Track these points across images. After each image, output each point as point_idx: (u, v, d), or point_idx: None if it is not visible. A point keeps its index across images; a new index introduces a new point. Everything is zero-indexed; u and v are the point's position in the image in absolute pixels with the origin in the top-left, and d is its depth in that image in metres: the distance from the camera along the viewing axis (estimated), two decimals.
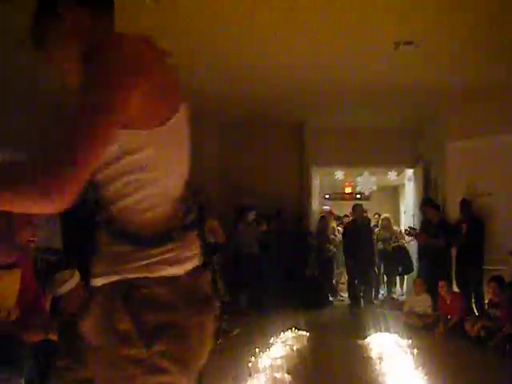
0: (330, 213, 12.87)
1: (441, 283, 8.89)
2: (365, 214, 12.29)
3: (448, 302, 8.77)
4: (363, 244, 10.89)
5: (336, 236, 12.48)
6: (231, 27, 7.08)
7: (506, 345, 7.07)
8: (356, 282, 11.06)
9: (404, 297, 11.96)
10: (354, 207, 11.52)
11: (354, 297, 11.01)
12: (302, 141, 12.23)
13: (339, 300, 12.02)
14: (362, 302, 10.98)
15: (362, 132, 12.34)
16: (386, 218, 12.62)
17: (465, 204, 9.38)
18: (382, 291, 12.41)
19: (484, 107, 9.55)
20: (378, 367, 6.32)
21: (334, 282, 12.38)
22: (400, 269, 12.38)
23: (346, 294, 11.73)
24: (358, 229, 11.05)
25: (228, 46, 7.70)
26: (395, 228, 13.03)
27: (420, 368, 6.02)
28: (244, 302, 9.97)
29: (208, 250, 9.29)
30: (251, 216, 10.23)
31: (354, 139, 12.41)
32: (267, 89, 9.69)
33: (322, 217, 12.12)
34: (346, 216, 14.08)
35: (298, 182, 12.16)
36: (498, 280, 8.08)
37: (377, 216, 14.03)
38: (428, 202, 10.50)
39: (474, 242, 9.14)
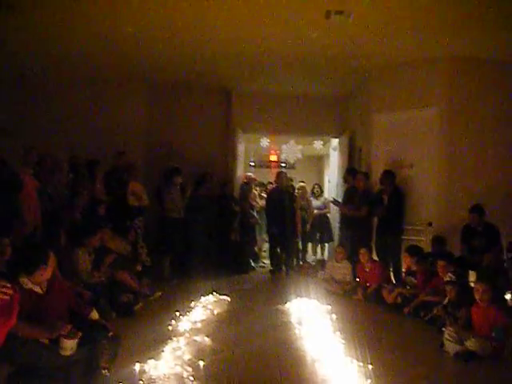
0: (253, 179, 12.84)
1: (362, 250, 9.05)
2: (291, 183, 12.39)
3: (367, 269, 8.94)
4: (286, 211, 10.92)
5: (258, 203, 12.51)
6: None
7: (420, 311, 7.28)
8: (278, 248, 11.12)
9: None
10: (278, 174, 11.51)
11: (275, 263, 11.07)
12: (229, 106, 12.12)
13: (261, 266, 12.09)
14: (284, 268, 11.05)
15: (289, 100, 12.41)
16: (302, 187, 12.71)
17: (388, 175, 9.50)
18: (303, 258, 12.53)
19: (410, 80, 9.72)
20: (297, 331, 6.42)
21: (256, 248, 12.42)
22: (318, 237, 12.55)
23: (267, 261, 11.81)
24: (282, 196, 11.06)
25: (157, 12, 7.52)
26: (326, 197, 13.13)
27: (338, 332, 6.14)
28: (167, 267, 9.89)
29: (130, 213, 9.17)
30: (178, 180, 10.08)
31: (280, 107, 12.46)
32: (196, 54, 9.54)
33: (245, 183, 12.12)
34: (271, 183, 14.14)
35: (223, 148, 12.07)
36: (415, 249, 8.30)
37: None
38: (355, 171, 10.68)
39: (395, 213, 9.32)
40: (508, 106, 9.25)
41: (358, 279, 9.16)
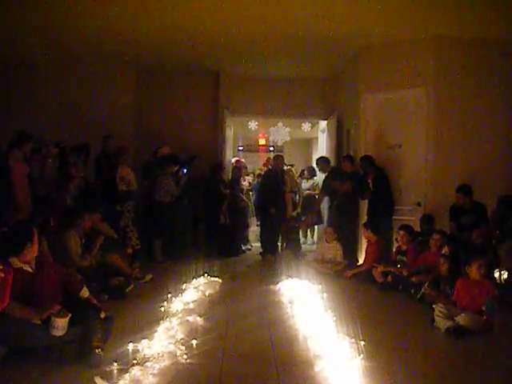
0: (242, 164, 12.86)
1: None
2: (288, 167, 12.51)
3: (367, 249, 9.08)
4: (279, 194, 10.95)
5: (246, 186, 12.59)
6: None
7: (411, 289, 7.33)
8: (269, 231, 11.12)
9: (315, 246, 12.18)
10: (276, 158, 11.50)
11: (266, 245, 11.08)
12: (217, 89, 12.07)
13: (247, 249, 12.11)
14: (274, 250, 11.06)
15: (277, 82, 12.43)
16: (289, 169, 12.75)
17: (365, 160, 9.60)
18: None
19: (397, 61, 9.75)
20: (288, 310, 6.46)
21: (247, 231, 12.42)
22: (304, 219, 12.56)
23: (257, 243, 11.84)
24: (276, 179, 11.05)
25: None
26: (316, 178, 13.14)
27: (329, 310, 6.17)
28: (158, 250, 9.88)
29: (120, 198, 9.15)
30: (173, 169, 10.06)
31: (268, 89, 12.49)
32: (184, 36, 9.52)
33: (236, 167, 12.13)
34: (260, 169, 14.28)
35: (212, 131, 12.03)
36: (407, 228, 8.36)
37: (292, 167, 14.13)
38: (327, 160, 10.91)
39: (381, 195, 9.38)
40: (495, 84, 9.29)
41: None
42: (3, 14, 8.35)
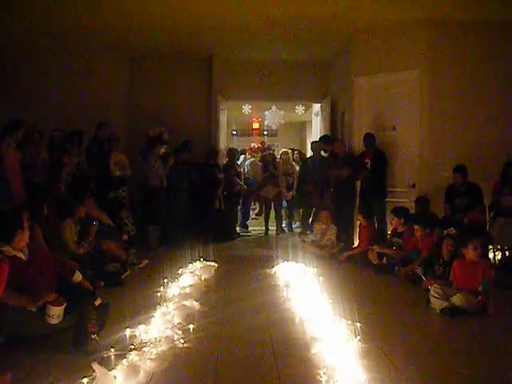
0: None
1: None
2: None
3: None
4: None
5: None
6: None
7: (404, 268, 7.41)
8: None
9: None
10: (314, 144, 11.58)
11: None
12: (210, 73, 12.03)
13: (244, 232, 12.17)
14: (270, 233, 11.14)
15: (270, 66, 12.37)
16: (285, 152, 12.81)
17: (369, 138, 9.56)
18: (293, 224, 12.65)
19: (390, 43, 9.69)
20: (285, 293, 6.48)
21: (248, 214, 12.49)
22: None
23: (256, 227, 11.93)
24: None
25: None
26: None
27: (325, 293, 6.19)
28: (153, 236, 9.87)
29: (114, 184, 9.12)
30: (160, 150, 10.00)
31: (262, 73, 12.41)
32: (176, 20, 9.45)
33: (230, 150, 12.12)
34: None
35: (205, 115, 12.01)
36: (402, 211, 8.37)
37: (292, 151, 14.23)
38: (329, 138, 10.91)
39: (378, 176, 9.37)
40: (489, 67, 9.27)
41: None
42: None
